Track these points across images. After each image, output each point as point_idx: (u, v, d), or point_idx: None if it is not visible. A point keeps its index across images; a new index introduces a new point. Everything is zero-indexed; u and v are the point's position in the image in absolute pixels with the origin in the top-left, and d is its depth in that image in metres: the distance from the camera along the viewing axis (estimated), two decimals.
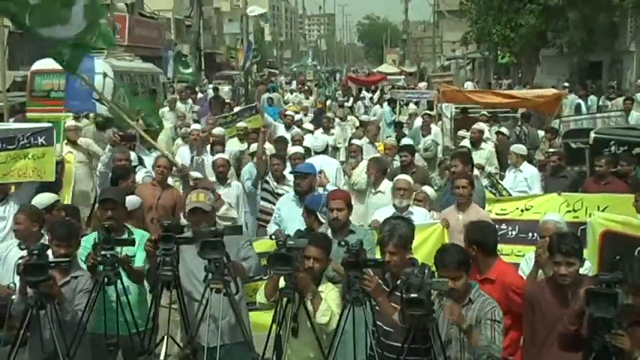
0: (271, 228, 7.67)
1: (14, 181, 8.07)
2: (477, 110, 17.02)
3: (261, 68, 32.71)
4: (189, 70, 24.50)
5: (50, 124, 8.93)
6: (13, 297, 5.38)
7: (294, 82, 41.91)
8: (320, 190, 8.02)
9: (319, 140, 11.76)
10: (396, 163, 10.25)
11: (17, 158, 8.06)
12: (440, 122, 16.79)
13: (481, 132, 12.38)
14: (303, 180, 7.66)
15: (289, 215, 7.45)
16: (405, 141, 11.94)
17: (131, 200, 7.39)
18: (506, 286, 5.43)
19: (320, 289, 5.09)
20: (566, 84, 25.18)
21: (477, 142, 11.91)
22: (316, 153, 10.83)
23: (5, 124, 10.68)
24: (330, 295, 5.07)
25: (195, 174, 8.64)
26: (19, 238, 6.10)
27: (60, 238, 5.37)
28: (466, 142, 12.07)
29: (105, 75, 9.64)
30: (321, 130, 14.42)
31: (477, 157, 11.25)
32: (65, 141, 11.18)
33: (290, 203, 7.67)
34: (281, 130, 14.42)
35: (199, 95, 26.55)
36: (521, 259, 7.95)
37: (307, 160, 10.10)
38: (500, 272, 5.51)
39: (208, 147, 11.27)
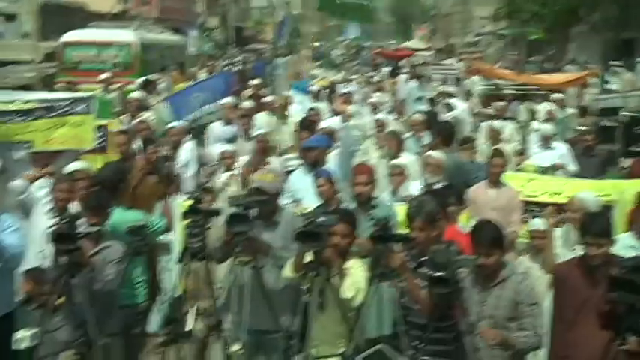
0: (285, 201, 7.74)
1: (55, 148, 8.16)
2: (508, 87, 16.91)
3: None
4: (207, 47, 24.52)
5: (92, 94, 9.09)
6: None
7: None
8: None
9: None
10: (426, 139, 10.20)
11: (57, 126, 8.18)
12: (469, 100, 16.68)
13: (504, 109, 12.39)
14: (310, 152, 7.86)
15: (301, 187, 7.53)
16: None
17: None
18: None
19: (348, 265, 5.09)
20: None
21: (500, 119, 11.91)
22: None
23: (44, 93, 10.90)
24: (357, 271, 5.08)
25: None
26: (60, 207, 6.11)
27: (91, 208, 5.45)
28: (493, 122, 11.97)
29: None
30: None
31: None
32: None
33: (300, 175, 7.82)
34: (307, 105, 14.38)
35: (226, 69, 26.54)
36: None
37: None
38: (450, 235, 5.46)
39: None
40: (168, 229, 6.55)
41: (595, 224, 4.80)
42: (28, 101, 8.25)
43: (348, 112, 12.25)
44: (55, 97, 9.12)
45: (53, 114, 8.18)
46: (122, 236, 5.43)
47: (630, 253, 4.99)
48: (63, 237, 4.85)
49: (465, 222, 6.31)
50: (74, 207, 6.16)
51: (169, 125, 9.83)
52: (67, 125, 8.21)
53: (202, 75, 20.73)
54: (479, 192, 7.64)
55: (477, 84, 18.64)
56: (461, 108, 14.76)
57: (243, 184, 7.74)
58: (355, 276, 5.02)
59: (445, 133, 9.39)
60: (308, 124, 10.31)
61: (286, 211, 5.71)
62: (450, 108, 14.33)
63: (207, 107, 10.27)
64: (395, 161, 8.32)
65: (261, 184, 5.51)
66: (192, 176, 9.08)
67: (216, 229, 5.53)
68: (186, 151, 9.32)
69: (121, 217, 5.72)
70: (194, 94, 10.22)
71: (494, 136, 10.65)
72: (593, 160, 9.88)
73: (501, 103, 12.80)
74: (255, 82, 16.95)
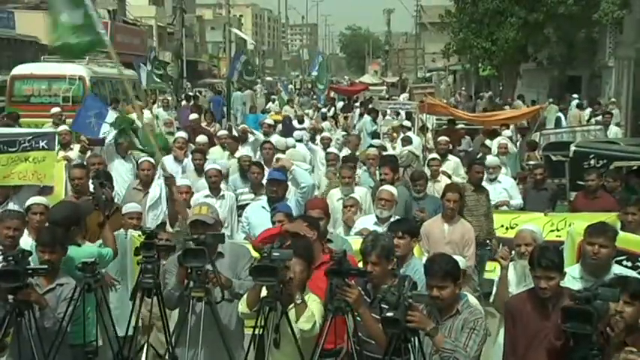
0: (239, 236, 7.71)
1: (14, 183, 8.11)
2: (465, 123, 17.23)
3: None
4: (161, 72, 24.23)
5: (52, 130, 9.02)
6: None
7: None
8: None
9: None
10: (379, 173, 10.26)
11: (18, 161, 8.15)
12: (426, 135, 16.93)
13: (447, 143, 12.59)
14: (279, 186, 7.67)
15: (259, 222, 7.43)
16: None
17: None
18: None
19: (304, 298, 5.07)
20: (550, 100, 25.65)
21: (444, 153, 12.04)
22: None
23: (7, 128, 10.81)
24: (312, 305, 5.06)
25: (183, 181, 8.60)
26: (7, 244, 5.93)
27: (44, 243, 5.32)
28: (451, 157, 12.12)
29: (111, 125, 9.99)
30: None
31: (444, 167, 11.31)
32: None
33: (259, 210, 7.67)
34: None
35: (182, 103, 26.49)
36: None
37: None
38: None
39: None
40: (116, 253, 6.42)
41: (545, 257, 4.85)
42: None
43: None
44: (17, 132, 9.05)
45: (14, 149, 8.11)
46: (74, 272, 5.32)
47: (576, 285, 5.08)
48: (8, 275, 4.72)
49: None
50: (29, 242, 6.03)
51: (142, 159, 9.59)
52: (29, 160, 8.16)
53: (159, 109, 20.64)
54: (433, 226, 7.70)
55: (430, 118, 18.91)
56: (416, 142, 14.95)
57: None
58: (311, 309, 4.99)
59: (397, 167, 9.49)
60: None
61: (228, 242, 5.69)
62: (408, 141, 14.51)
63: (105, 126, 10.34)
64: (351, 194, 8.40)
65: (200, 217, 5.50)
66: (162, 213, 8.84)
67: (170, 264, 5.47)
68: (157, 187, 9.08)
69: (74, 252, 5.61)
70: (87, 121, 10.29)
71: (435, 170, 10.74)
72: (543, 194, 10.04)
73: (445, 138, 13.01)
74: (193, 117, 16.81)
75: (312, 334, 4.92)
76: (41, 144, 8.27)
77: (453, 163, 11.89)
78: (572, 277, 5.53)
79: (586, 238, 5.65)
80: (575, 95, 27.30)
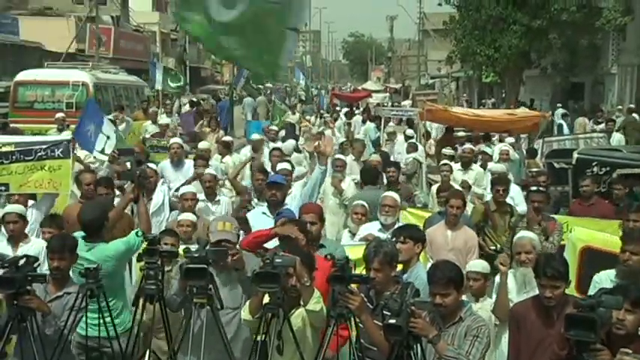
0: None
1: (30, 191, 8.19)
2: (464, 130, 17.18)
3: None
4: (179, 84, 24.12)
5: (67, 137, 9.11)
6: None
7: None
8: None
9: None
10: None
11: (34, 169, 8.23)
12: (427, 141, 16.92)
13: (472, 152, 12.42)
14: (279, 190, 7.66)
15: (261, 228, 7.37)
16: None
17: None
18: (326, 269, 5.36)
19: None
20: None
21: (467, 162, 11.91)
22: None
23: (23, 137, 10.89)
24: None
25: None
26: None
27: (54, 250, 5.30)
28: (454, 164, 12.03)
29: (108, 137, 10.07)
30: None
31: (467, 177, 11.26)
32: None
33: (260, 216, 7.59)
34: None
35: (186, 108, 26.51)
36: None
37: None
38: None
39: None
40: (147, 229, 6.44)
41: (550, 266, 4.83)
42: (4, 144, 8.27)
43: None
44: (33, 140, 9.12)
45: (30, 157, 8.16)
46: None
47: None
48: (5, 281, 4.72)
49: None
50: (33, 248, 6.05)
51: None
52: (45, 169, 8.22)
53: (162, 115, 20.66)
54: (437, 233, 7.70)
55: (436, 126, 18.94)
56: (420, 150, 14.96)
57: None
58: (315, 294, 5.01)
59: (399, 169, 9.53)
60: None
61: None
62: (414, 148, 14.52)
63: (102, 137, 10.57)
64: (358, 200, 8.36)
65: (226, 236, 5.46)
66: (165, 219, 8.78)
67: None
68: (160, 193, 9.05)
69: (103, 249, 5.61)
70: (85, 129, 10.43)
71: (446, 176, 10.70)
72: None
73: (469, 147, 12.86)
74: (165, 121, 17.00)
75: (321, 316, 4.93)
76: (57, 152, 8.35)
77: (475, 173, 11.75)
78: (611, 280, 5.60)
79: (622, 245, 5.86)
80: (559, 104, 27.50)
